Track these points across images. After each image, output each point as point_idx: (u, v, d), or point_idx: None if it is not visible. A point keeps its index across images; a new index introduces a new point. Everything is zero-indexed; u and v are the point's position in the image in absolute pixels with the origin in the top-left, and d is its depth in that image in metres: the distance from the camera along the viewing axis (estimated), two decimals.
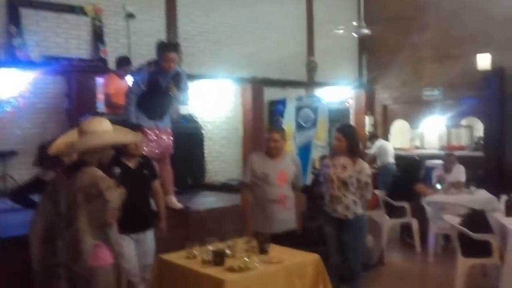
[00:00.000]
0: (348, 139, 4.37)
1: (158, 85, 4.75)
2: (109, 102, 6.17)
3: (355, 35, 9.52)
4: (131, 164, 3.82)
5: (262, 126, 8.98)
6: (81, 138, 3.01)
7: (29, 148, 5.88)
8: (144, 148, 4.65)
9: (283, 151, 4.34)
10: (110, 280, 2.99)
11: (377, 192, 7.21)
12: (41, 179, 3.67)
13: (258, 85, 9.14)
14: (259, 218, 4.28)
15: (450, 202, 6.03)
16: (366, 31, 8.67)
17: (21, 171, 6.27)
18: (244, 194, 4.39)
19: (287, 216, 4.29)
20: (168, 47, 4.85)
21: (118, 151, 3.54)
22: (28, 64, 6.48)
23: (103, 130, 3.03)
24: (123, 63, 6.31)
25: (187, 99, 5.19)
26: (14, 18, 6.51)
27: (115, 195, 2.92)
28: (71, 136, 3.12)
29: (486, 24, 9.32)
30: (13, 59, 6.38)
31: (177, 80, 4.86)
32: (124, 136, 3.26)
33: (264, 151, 4.37)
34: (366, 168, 4.38)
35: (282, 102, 9.11)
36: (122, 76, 6.29)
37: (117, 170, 3.17)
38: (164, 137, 4.97)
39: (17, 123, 6.56)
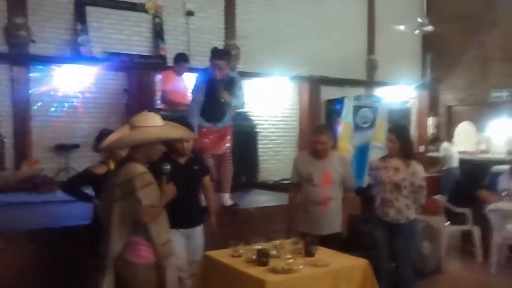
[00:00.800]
0: (401, 140, 4.17)
1: (212, 92, 4.79)
2: (165, 99, 6.27)
3: (417, 32, 9.15)
4: (182, 160, 3.84)
5: (321, 124, 8.83)
6: (130, 133, 3.02)
7: (91, 141, 6.08)
8: (207, 145, 4.79)
9: (329, 151, 4.21)
10: (151, 278, 2.97)
11: (438, 197, 6.92)
12: (92, 171, 3.75)
13: (315, 83, 9.04)
14: (303, 219, 4.19)
15: None
16: (429, 28, 8.34)
17: (84, 164, 6.40)
18: (290, 194, 4.33)
19: (330, 219, 4.15)
20: (216, 54, 4.87)
21: (169, 148, 3.57)
22: (92, 60, 6.74)
23: (152, 125, 3.02)
24: (180, 59, 6.38)
25: (243, 104, 5.19)
26: (80, 16, 6.79)
27: (148, 194, 2.86)
28: (123, 131, 3.13)
29: None
30: (77, 55, 6.65)
31: (231, 86, 4.88)
32: (173, 131, 3.22)
33: (310, 150, 4.27)
34: (420, 171, 4.17)
35: (340, 101, 8.91)
36: (179, 73, 6.36)
37: (167, 167, 3.16)
38: (224, 134, 5.02)
39: (80, 117, 6.85)
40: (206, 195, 4.11)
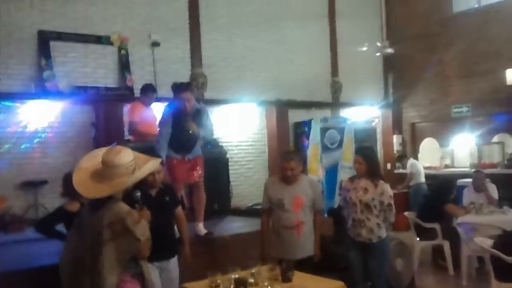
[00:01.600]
0: (368, 161, 4.29)
1: (180, 124, 4.82)
2: (133, 130, 6.25)
3: (378, 54, 9.45)
4: (152, 192, 3.84)
5: (288, 149, 8.95)
6: (113, 177, 2.91)
7: (59, 177, 5.95)
8: (178, 176, 4.80)
9: (299, 175, 4.29)
10: None
11: (406, 213, 7.07)
12: (66, 209, 3.71)
13: (282, 107, 9.18)
14: (276, 244, 4.25)
15: (481, 223, 5.83)
16: (389, 50, 8.62)
17: (53, 200, 6.37)
18: (262, 220, 4.38)
19: (303, 242, 4.22)
20: (180, 87, 4.91)
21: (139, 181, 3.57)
22: (57, 94, 6.69)
23: (131, 164, 2.96)
24: (147, 90, 6.40)
25: (211, 134, 5.24)
26: (44, 51, 6.75)
27: (143, 229, 2.88)
28: (92, 164, 3.03)
29: (511, 38, 9.14)
30: (43, 91, 6.60)
31: (198, 117, 4.92)
32: (148, 166, 3.20)
33: (279, 176, 4.35)
34: (388, 190, 4.28)
35: (307, 124, 9.07)
36: (146, 104, 6.37)
37: (137, 194, 3.17)
38: (195, 164, 5.04)
39: (47, 152, 6.76)
40: (179, 226, 4.10)
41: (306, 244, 4.24)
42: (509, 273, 4.46)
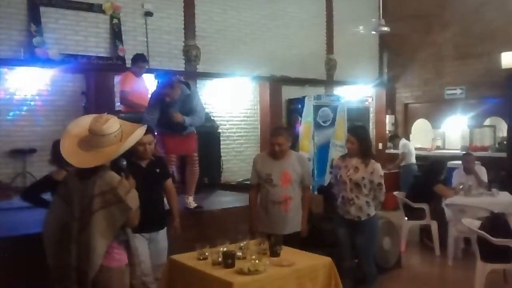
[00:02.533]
0: (360, 140, 4.29)
1: (168, 114, 4.73)
2: (125, 100, 6.17)
3: (374, 32, 9.36)
4: (143, 163, 3.81)
5: (280, 125, 8.92)
6: (102, 146, 2.90)
7: (48, 145, 5.89)
8: (170, 149, 4.76)
9: (287, 151, 4.29)
10: (124, 281, 2.99)
11: (396, 193, 7.11)
12: (53, 178, 3.66)
13: (276, 83, 9.09)
14: (264, 220, 4.28)
15: (469, 204, 5.87)
16: (385, 28, 8.52)
17: (41, 168, 6.31)
18: (250, 196, 4.40)
19: (291, 218, 4.25)
20: (162, 86, 4.79)
21: (129, 151, 3.52)
22: (47, 62, 6.54)
23: (118, 132, 2.94)
24: (138, 60, 6.29)
25: (200, 121, 5.04)
26: (34, 17, 6.58)
27: (134, 198, 2.89)
28: (79, 132, 2.98)
29: (508, 20, 9.08)
30: (32, 57, 6.45)
31: (186, 104, 4.82)
32: (136, 134, 3.14)
33: (268, 151, 4.34)
34: (379, 169, 4.30)
35: (301, 101, 9.03)
36: (138, 74, 6.28)
37: (123, 162, 3.15)
38: (188, 138, 4.98)
39: (36, 121, 6.65)
40: (168, 198, 4.08)
41: (293, 220, 4.26)
42: (494, 254, 4.53)
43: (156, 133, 4.67)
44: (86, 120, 2.99)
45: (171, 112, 4.71)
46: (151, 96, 4.96)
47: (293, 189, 4.25)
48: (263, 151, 4.55)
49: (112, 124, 2.92)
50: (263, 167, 4.26)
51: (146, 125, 3.35)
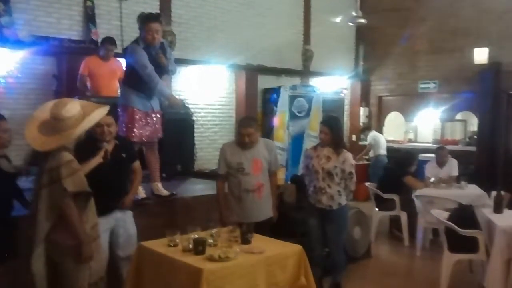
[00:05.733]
0: (333, 131, 4.34)
1: (149, 60, 4.51)
2: (80, 84, 6.10)
3: (351, 24, 9.40)
4: (108, 147, 3.74)
5: (255, 114, 8.91)
6: (61, 130, 3.00)
7: (18, 128, 5.77)
8: (137, 131, 4.58)
9: (256, 140, 4.29)
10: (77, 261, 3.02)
11: (367, 184, 7.19)
12: None
13: (252, 72, 9.05)
14: (236, 209, 4.26)
15: (438, 196, 5.99)
16: (362, 20, 8.57)
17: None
18: (219, 185, 4.37)
19: (264, 204, 4.29)
20: (150, 17, 4.61)
21: (91, 135, 3.51)
22: (17, 43, 6.34)
23: (80, 114, 3.03)
24: (106, 42, 6.18)
25: (175, 69, 4.96)
26: None
27: (75, 182, 2.95)
28: (42, 116, 3.10)
29: (482, 17, 9.24)
30: (0, 38, 6.25)
31: (163, 51, 4.68)
32: (94, 115, 3.15)
33: (236, 141, 4.33)
34: (350, 159, 4.36)
35: (276, 91, 9.02)
36: (104, 57, 6.17)
37: (105, 145, 3.19)
38: (156, 120, 4.81)
39: (6, 103, 6.45)
40: (133, 178, 3.99)
41: (266, 206, 4.31)
42: (461, 245, 4.64)
43: (122, 114, 4.57)
44: (50, 105, 3.12)
45: (155, 54, 4.54)
46: (132, 48, 4.62)
47: (264, 176, 4.29)
48: (229, 141, 4.50)
49: (71, 108, 3.03)
50: (232, 157, 4.24)
51: (108, 106, 3.35)
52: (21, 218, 3.39)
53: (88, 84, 6.22)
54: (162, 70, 4.68)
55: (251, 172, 4.20)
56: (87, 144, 3.50)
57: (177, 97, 4.70)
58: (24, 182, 4.09)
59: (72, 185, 2.92)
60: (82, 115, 3.04)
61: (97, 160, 3.47)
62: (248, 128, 4.19)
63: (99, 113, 3.19)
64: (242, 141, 4.20)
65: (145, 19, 4.58)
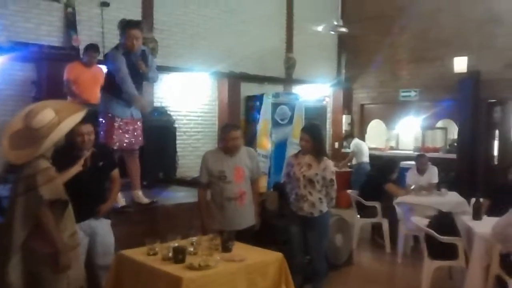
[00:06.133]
0: (314, 139, 4.34)
1: (128, 66, 4.54)
2: (68, 89, 6.04)
3: (332, 33, 9.48)
4: (84, 156, 3.69)
5: (238, 122, 8.90)
6: (34, 139, 2.96)
7: None
8: (117, 139, 4.55)
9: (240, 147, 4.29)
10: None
11: (349, 191, 7.22)
12: None
13: (235, 80, 9.07)
14: (218, 217, 4.23)
15: (419, 203, 6.03)
16: (343, 29, 8.65)
17: None
18: (200, 194, 4.33)
19: (246, 212, 4.28)
20: (130, 24, 4.64)
21: (69, 144, 3.46)
22: None
23: (54, 122, 2.99)
24: (89, 49, 6.14)
25: (157, 77, 4.98)
26: None
27: (51, 189, 2.91)
28: (15, 127, 3.06)
29: (462, 27, 9.38)
30: None
31: (144, 58, 4.69)
32: (68, 121, 3.12)
33: (220, 147, 4.32)
34: (331, 166, 4.37)
35: (259, 98, 9.04)
36: (87, 64, 6.13)
37: (87, 153, 3.16)
38: (136, 128, 4.78)
39: None
40: (112, 186, 3.96)
41: (248, 214, 4.30)
42: (441, 251, 4.67)
43: (102, 121, 4.54)
44: (23, 114, 3.08)
45: (134, 61, 4.54)
46: (112, 53, 4.65)
47: (246, 184, 4.28)
48: (211, 149, 4.49)
49: (43, 117, 2.97)
50: (214, 165, 4.22)
51: (83, 111, 3.31)
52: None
53: (72, 88, 6.13)
54: (142, 76, 4.68)
55: (233, 180, 4.18)
56: (66, 150, 3.46)
57: (143, 100, 4.60)
58: (2, 190, 4.05)
59: (48, 192, 2.88)
60: (56, 121, 2.99)
61: (76, 168, 3.46)
62: (232, 132, 4.19)
63: (73, 120, 3.14)
64: (226, 146, 4.19)
65: (125, 26, 4.59)
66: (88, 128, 3.57)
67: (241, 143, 4.25)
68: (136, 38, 4.53)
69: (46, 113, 2.99)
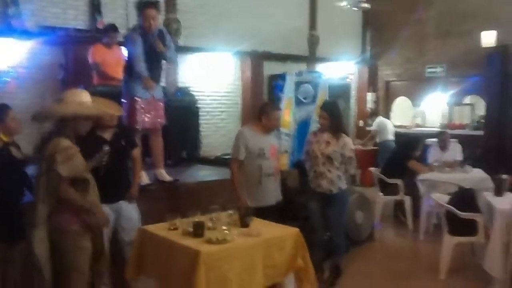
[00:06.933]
0: (332, 116, 4.38)
1: (146, 46, 4.63)
2: (99, 72, 6.17)
3: (355, 9, 9.35)
4: (107, 135, 3.82)
5: (261, 101, 8.95)
6: (58, 106, 3.15)
7: (26, 118, 5.90)
8: (139, 119, 4.68)
9: None
10: (82, 244, 3.15)
11: (372, 169, 7.22)
12: None
13: (258, 59, 9.08)
14: (256, 193, 4.27)
15: (441, 180, 6.00)
16: (366, 5, 8.52)
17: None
18: (235, 170, 4.34)
19: (278, 188, 4.44)
20: (147, 4, 4.67)
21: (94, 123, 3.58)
22: (24, 33, 6.44)
23: (80, 101, 3.09)
24: (109, 30, 6.26)
25: (176, 57, 5.05)
26: None
27: (71, 167, 3.02)
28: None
29: (490, 0, 9.11)
30: (8, 28, 6.35)
31: (161, 38, 4.75)
32: (100, 108, 3.30)
33: (256, 124, 4.38)
34: (350, 143, 4.41)
35: (282, 77, 9.03)
36: (108, 44, 6.25)
37: (106, 148, 3.28)
38: (157, 108, 4.88)
39: (14, 93, 6.56)
40: (133, 167, 4.11)
41: (278, 189, 4.46)
42: (461, 228, 4.68)
43: (124, 102, 4.67)
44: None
45: (152, 41, 4.62)
46: (129, 33, 4.80)
47: (277, 160, 4.45)
48: (247, 126, 4.56)
49: (85, 94, 3.26)
50: (254, 142, 4.28)
51: (117, 114, 3.57)
52: (28, 203, 3.53)
53: (101, 69, 6.26)
54: (159, 56, 4.75)
55: (270, 157, 4.31)
56: (88, 136, 3.55)
57: (150, 81, 4.66)
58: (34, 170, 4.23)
59: (66, 170, 2.99)
60: (89, 102, 3.24)
61: (99, 161, 3.49)
62: (278, 112, 4.44)
63: (108, 111, 3.45)
64: (269, 124, 4.31)
65: (142, 6, 4.66)
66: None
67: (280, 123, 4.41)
68: (152, 18, 4.60)
69: (82, 93, 3.24)
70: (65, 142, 3.04)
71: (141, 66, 4.60)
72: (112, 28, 6.29)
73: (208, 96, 8.59)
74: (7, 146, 3.69)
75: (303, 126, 8.77)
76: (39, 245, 3.00)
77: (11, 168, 3.62)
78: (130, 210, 3.97)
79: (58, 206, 3.06)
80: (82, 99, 3.18)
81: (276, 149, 4.38)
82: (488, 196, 4.71)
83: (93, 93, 3.42)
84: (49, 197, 3.03)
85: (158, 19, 4.74)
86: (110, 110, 3.47)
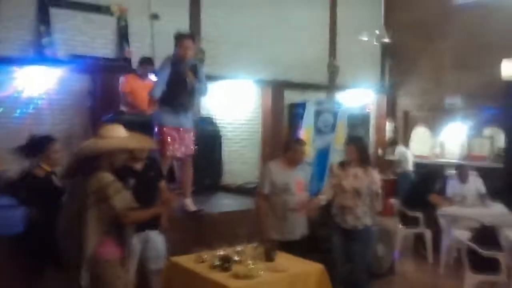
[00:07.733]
0: (360, 151, 4.43)
1: (177, 74, 4.84)
2: (124, 101, 6.39)
3: (376, 43, 9.48)
4: (137, 166, 3.96)
5: (281, 129, 9.08)
6: (96, 141, 3.27)
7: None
8: (169, 148, 4.83)
9: None
10: (118, 273, 3.22)
11: (392, 200, 7.24)
12: (33, 174, 3.86)
13: (278, 87, 9.22)
14: (281, 227, 4.35)
15: (462, 215, 6.00)
16: (386, 40, 8.64)
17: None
18: (260, 204, 4.43)
19: (304, 222, 4.48)
20: (184, 35, 4.97)
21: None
22: (56, 62, 6.69)
23: (116, 136, 3.23)
24: (144, 62, 6.48)
25: (206, 89, 5.23)
26: (43, 17, 6.71)
27: (121, 200, 3.14)
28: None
29: (509, 32, 9.19)
30: (41, 57, 6.60)
31: (194, 70, 4.96)
32: (134, 142, 3.43)
33: (282, 158, 4.47)
34: (377, 177, 4.45)
35: (302, 105, 9.14)
36: (142, 76, 6.45)
37: (132, 181, 3.39)
38: (187, 137, 5.04)
39: (43, 119, 6.77)
40: (161, 198, 4.18)
41: (305, 223, 4.50)
42: (483, 265, 4.67)
43: (156, 130, 4.82)
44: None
45: (184, 69, 4.82)
46: (163, 61, 5.05)
47: (304, 194, 4.47)
48: (273, 160, 4.65)
49: (120, 129, 3.39)
50: (279, 177, 4.37)
51: (152, 144, 3.75)
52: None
53: (129, 99, 6.48)
54: (187, 85, 4.89)
55: (296, 192, 4.37)
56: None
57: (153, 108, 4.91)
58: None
59: (119, 202, 3.11)
60: (124, 137, 3.37)
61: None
62: (303, 146, 4.47)
63: (141, 144, 3.64)
64: (298, 158, 4.41)
65: (179, 36, 4.90)
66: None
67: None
68: (188, 47, 4.83)
69: (118, 128, 3.37)
70: (110, 176, 3.17)
71: (157, 90, 4.83)
72: (147, 61, 6.53)
73: (229, 124, 8.73)
74: (50, 176, 3.84)
75: (322, 155, 8.83)
76: (85, 276, 3.09)
77: (53, 197, 3.76)
78: (156, 240, 4.07)
79: (104, 238, 3.14)
80: (119, 134, 3.31)
81: (302, 183, 4.43)
82: (510, 234, 4.70)
83: (121, 121, 3.60)
84: (98, 229, 3.11)
85: (193, 50, 4.95)
86: (145, 144, 3.61)
